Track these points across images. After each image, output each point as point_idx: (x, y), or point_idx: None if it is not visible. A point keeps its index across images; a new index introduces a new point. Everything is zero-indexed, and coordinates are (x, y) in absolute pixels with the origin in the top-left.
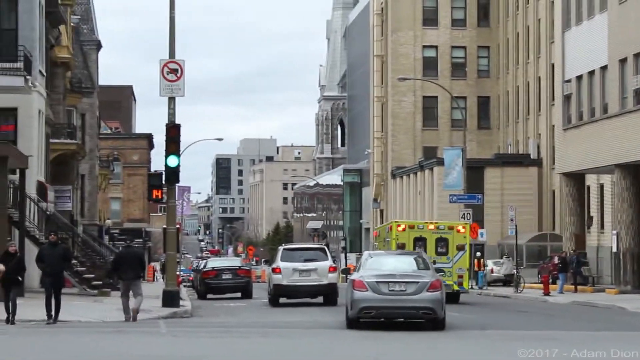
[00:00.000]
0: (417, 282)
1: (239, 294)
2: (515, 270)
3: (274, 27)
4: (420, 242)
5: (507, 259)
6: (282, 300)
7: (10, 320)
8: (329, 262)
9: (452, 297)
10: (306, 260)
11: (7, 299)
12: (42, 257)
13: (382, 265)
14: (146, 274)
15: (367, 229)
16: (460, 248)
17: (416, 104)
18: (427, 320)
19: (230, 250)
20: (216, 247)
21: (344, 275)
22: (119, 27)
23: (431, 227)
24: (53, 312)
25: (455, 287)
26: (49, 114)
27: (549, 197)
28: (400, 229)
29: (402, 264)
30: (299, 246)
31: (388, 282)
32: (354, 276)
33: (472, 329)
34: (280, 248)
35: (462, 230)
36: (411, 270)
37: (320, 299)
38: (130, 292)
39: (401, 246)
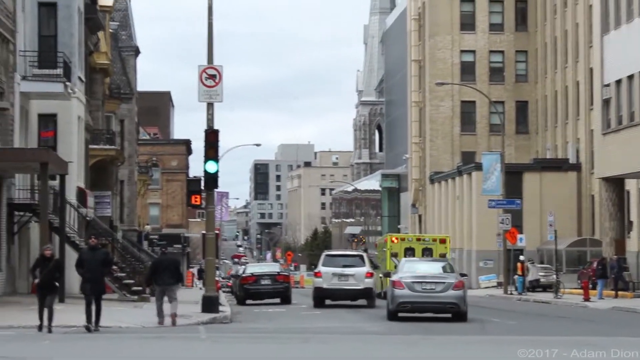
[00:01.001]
0: (444, 282)
1: (278, 300)
2: (546, 276)
3: (311, 33)
4: (410, 251)
5: (531, 265)
6: (327, 302)
7: (47, 327)
8: (366, 268)
9: None
10: (345, 266)
11: (41, 306)
12: (81, 261)
13: (416, 268)
14: (185, 280)
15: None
16: (442, 256)
17: (454, 109)
18: (452, 314)
19: (269, 255)
20: (253, 252)
21: (385, 278)
22: (157, 33)
23: (418, 239)
24: (93, 320)
25: None
26: (88, 120)
27: (588, 202)
28: (394, 240)
29: (432, 268)
30: (339, 253)
31: (421, 282)
32: (394, 277)
33: (508, 334)
34: (323, 254)
35: (444, 242)
36: (439, 273)
37: (360, 302)
38: (165, 297)
39: (394, 255)
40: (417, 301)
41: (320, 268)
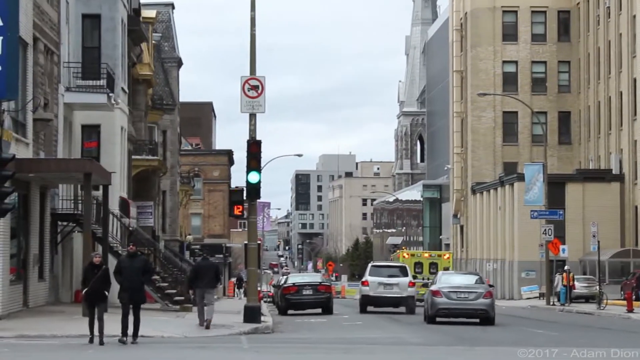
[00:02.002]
0: (476, 292)
1: (319, 310)
2: (589, 287)
3: (352, 43)
4: (418, 265)
5: (560, 276)
6: (369, 308)
7: (99, 340)
8: (408, 279)
9: None
10: (390, 276)
11: (92, 316)
12: (120, 269)
13: (452, 281)
14: (227, 289)
15: (447, 245)
16: (446, 269)
17: (496, 120)
18: (481, 319)
19: (310, 265)
20: (294, 263)
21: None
22: (199, 44)
23: (426, 255)
24: (131, 330)
25: None
26: (131, 131)
27: (632, 212)
28: (405, 256)
29: (466, 280)
30: (384, 264)
31: (456, 291)
32: (433, 287)
33: (551, 345)
34: (369, 265)
35: (447, 257)
36: (471, 284)
37: (401, 309)
38: (204, 300)
39: None
40: (453, 307)
41: (367, 277)
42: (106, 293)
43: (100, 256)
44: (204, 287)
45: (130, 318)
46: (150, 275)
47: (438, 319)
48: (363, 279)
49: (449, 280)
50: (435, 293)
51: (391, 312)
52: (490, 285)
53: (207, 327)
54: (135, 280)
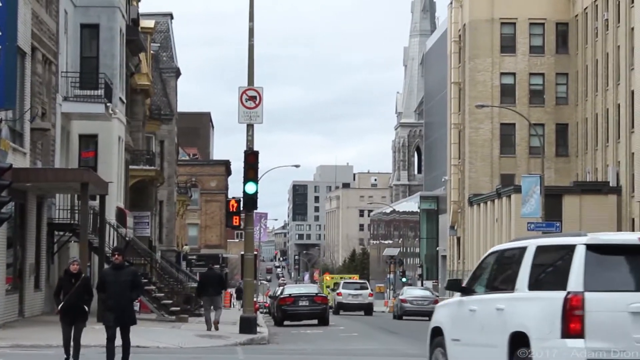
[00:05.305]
0: (428, 300)
1: (315, 321)
2: None
3: (351, 55)
4: (337, 284)
5: None
6: (341, 312)
7: None
8: (368, 290)
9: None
10: (356, 289)
11: (67, 336)
12: (103, 284)
13: (413, 292)
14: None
15: (444, 257)
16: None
17: (493, 131)
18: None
19: (307, 276)
20: (291, 274)
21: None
22: (198, 54)
23: (339, 277)
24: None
25: None
26: (128, 141)
27: (629, 225)
28: (328, 278)
29: (421, 292)
30: (352, 281)
31: (416, 299)
32: (401, 297)
33: None
34: (342, 281)
35: (355, 278)
36: (425, 295)
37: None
38: (212, 306)
39: (328, 286)
40: (414, 310)
41: (341, 290)
42: (86, 308)
43: (79, 263)
44: (211, 294)
45: (118, 341)
46: (141, 290)
47: (404, 317)
48: (337, 291)
49: (410, 292)
50: (403, 300)
51: (358, 315)
52: (437, 296)
53: (216, 328)
54: (122, 297)
